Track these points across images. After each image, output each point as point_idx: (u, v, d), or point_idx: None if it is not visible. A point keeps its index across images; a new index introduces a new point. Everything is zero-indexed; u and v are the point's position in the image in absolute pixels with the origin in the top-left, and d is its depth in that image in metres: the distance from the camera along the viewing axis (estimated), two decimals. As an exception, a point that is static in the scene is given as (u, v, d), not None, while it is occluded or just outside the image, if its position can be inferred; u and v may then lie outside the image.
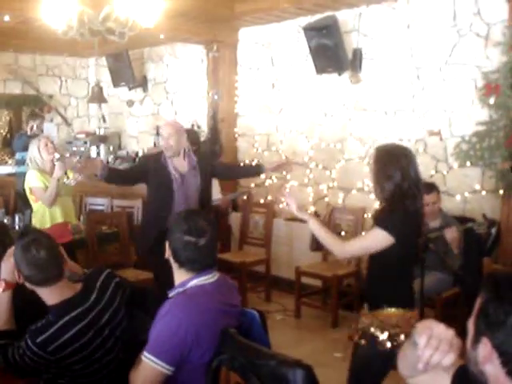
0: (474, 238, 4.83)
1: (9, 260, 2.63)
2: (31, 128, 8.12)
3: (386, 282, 3.13)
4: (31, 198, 5.26)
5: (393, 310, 3.02)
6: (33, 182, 5.15)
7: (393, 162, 3.04)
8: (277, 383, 2.17)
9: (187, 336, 2.39)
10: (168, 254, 2.62)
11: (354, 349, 3.33)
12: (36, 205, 5.23)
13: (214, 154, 6.95)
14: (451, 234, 4.58)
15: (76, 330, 2.52)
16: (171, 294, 2.58)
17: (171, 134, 4.64)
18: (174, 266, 2.60)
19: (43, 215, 5.20)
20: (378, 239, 3.02)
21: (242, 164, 5.68)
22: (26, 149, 7.90)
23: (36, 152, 5.24)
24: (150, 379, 2.41)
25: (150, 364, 2.39)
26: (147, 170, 4.75)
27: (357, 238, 3.35)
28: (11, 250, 2.63)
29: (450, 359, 1.39)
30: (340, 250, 3.16)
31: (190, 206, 4.55)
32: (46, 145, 5.25)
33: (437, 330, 1.41)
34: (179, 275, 2.60)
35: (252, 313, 2.74)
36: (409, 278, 3.21)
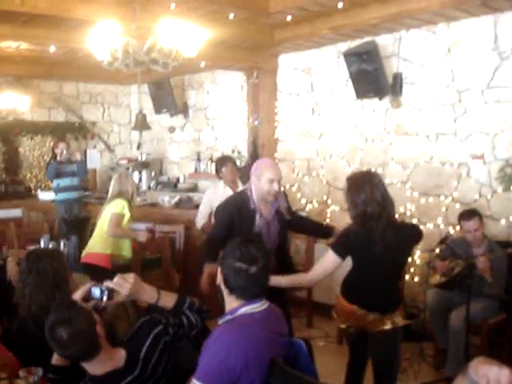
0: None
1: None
2: (61, 154, 8.25)
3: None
4: (109, 223, 5.50)
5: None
6: (119, 209, 5.50)
7: (357, 191, 3.46)
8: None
9: (237, 364, 2.39)
10: (219, 280, 2.64)
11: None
12: None
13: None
14: (482, 263, 4.55)
15: None
16: (220, 321, 2.59)
17: (279, 178, 4.05)
18: (225, 292, 2.61)
19: (121, 244, 5.59)
20: (329, 261, 3.52)
21: (315, 221, 5.14)
22: (58, 176, 8.11)
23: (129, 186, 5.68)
24: None
25: None
26: (234, 223, 4.08)
27: (317, 263, 3.72)
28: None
29: None
30: (307, 279, 3.71)
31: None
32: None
33: (492, 373, 1.40)
34: (229, 302, 2.61)
35: (299, 342, 2.73)
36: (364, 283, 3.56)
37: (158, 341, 2.58)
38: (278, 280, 3.44)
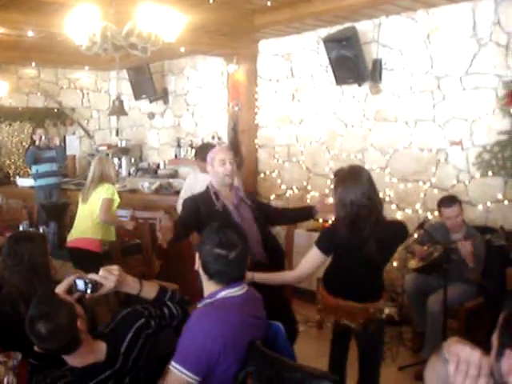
0: (496, 249, 4.82)
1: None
2: (39, 138, 8.20)
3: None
4: (101, 208, 5.50)
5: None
6: (109, 194, 5.53)
7: (345, 190, 3.42)
8: (303, 395, 2.19)
9: (215, 347, 2.41)
10: (198, 265, 2.65)
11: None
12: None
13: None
14: (464, 248, 4.60)
15: None
16: (199, 304, 2.60)
17: (231, 159, 4.12)
18: (204, 277, 2.63)
19: (109, 229, 5.64)
20: (314, 258, 3.50)
21: (292, 207, 5.08)
22: (36, 161, 8.06)
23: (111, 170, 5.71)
24: None
25: (176, 373, 2.41)
26: (199, 216, 4.04)
27: (303, 260, 3.58)
28: None
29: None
30: (293, 276, 3.66)
31: (253, 240, 3.86)
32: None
33: (463, 353, 1.42)
34: (208, 287, 2.63)
35: (277, 325, 2.75)
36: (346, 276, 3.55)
37: (140, 334, 2.57)
38: (263, 277, 3.43)
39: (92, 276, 2.62)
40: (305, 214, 4.55)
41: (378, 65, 6.35)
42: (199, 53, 8.22)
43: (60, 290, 2.61)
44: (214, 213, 3.94)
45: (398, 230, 3.62)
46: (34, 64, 9.49)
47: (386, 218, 3.62)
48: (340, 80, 6.58)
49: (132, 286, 2.70)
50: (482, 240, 4.83)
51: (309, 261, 3.54)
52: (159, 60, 9.08)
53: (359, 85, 6.50)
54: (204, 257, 2.60)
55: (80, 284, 2.60)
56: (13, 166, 9.76)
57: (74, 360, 2.45)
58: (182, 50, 7.49)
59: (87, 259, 5.24)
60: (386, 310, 3.56)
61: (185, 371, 2.40)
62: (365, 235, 3.37)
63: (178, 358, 2.44)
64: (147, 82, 9.08)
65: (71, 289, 2.63)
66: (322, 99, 7.00)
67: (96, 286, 2.60)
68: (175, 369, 2.42)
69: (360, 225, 3.38)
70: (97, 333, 2.63)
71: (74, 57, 8.26)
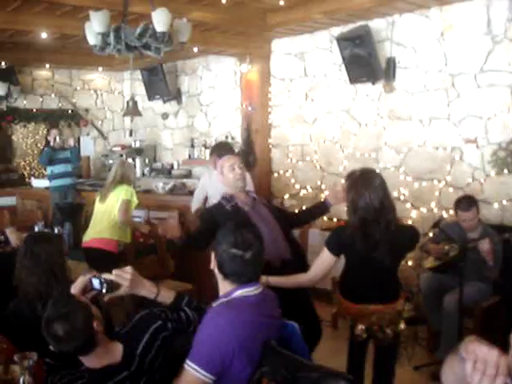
0: (513, 247, 4.79)
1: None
2: (54, 139, 8.23)
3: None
4: (120, 209, 5.54)
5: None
6: (128, 195, 5.58)
7: (358, 194, 3.40)
8: (319, 395, 2.18)
9: (229, 346, 2.41)
10: (213, 265, 2.64)
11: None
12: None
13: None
14: (485, 246, 4.56)
15: None
16: (215, 304, 2.60)
17: (240, 163, 4.17)
18: (219, 277, 2.63)
19: (125, 230, 5.66)
20: (326, 260, 3.51)
21: (305, 208, 5.13)
22: (51, 162, 8.10)
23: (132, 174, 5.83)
24: None
25: (191, 372, 2.41)
26: (217, 224, 3.79)
27: (315, 262, 3.59)
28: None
29: (499, 383, 1.38)
30: (307, 280, 3.60)
31: (279, 238, 3.98)
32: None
33: (481, 352, 1.40)
34: (223, 286, 2.62)
35: (292, 325, 2.74)
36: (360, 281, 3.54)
37: (157, 336, 2.54)
38: (278, 280, 3.43)
39: (106, 276, 2.62)
40: (320, 209, 4.56)
41: (391, 63, 6.32)
42: (212, 53, 8.22)
43: (75, 289, 2.61)
44: (232, 217, 3.92)
45: (410, 235, 3.59)
46: (47, 65, 9.55)
47: (398, 222, 3.59)
48: (353, 79, 6.56)
49: (149, 289, 2.69)
50: (500, 239, 4.79)
51: (320, 262, 3.54)
52: (172, 60, 9.09)
53: (373, 83, 6.47)
54: (220, 257, 2.59)
55: (96, 283, 2.61)
56: (28, 168, 9.81)
57: (91, 361, 2.45)
58: (195, 50, 7.49)
59: (103, 259, 5.26)
60: (405, 312, 3.54)
61: (199, 369, 2.39)
62: (374, 241, 3.35)
63: (192, 356, 2.44)
64: (160, 82, 9.10)
65: (86, 288, 2.63)
66: (336, 98, 6.97)
67: (112, 285, 2.60)
68: (189, 367, 2.41)
69: (370, 230, 3.36)
70: (113, 334, 2.62)
71: (88, 58, 8.32)
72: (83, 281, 2.64)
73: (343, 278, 3.66)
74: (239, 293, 2.56)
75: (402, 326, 3.52)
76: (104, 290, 2.59)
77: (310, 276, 3.60)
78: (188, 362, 2.43)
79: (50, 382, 2.56)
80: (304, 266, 4.02)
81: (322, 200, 4.64)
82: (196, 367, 2.40)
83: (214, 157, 5.91)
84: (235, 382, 2.47)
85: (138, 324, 2.60)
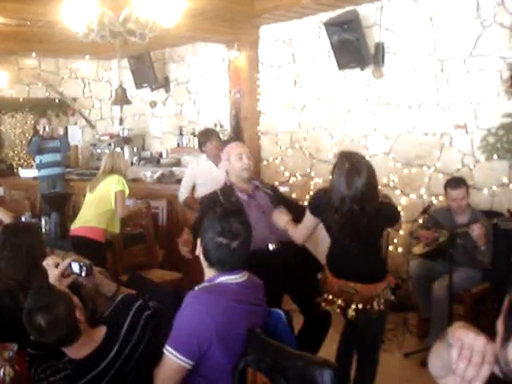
0: (503, 232, 4.77)
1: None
2: (43, 128, 8.16)
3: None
4: (111, 201, 5.52)
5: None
6: (120, 186, 5.54)
7: (338, 182, 3.34)
8: (304, 384, 2.15)
9: (206, 331, 2.40)
10: (198, 251, 2.62)
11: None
12: (113, 208, 5.54)
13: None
14: (477, 231, 4.53)
15: None
16: (197, 287, 2.59)
17: (248, 153, 4.12)
18: (204, 264, 2.61)
19: (115, 220, 5.62)
20: (306, 218, 3.61)
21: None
22: (40, 151, 8.04)
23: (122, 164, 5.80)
24: (169, 373, 2.42)
25: (169, 357, 2.40)
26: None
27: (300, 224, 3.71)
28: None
29: (485, 371, 1.34)
30: (293, 236, 3.74)
31: (271, 224, 3.90)
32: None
33: (467, 339, 1.37)
34: (208, 273, 2.62)
35: (278, 313, 2.71)
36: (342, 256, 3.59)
37: (140, 316, 2.53)
38: (280, 219, 3.75)
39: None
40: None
41: (380, 48, 6.25)
42: (199, 39, 8.14)
43: (56, 272, 2.59)
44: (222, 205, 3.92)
45: (387, 214, 3.52)
46: (34, 54, 9.44)
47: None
48: (342, 65, 6.50)
49: (108, 288, 2.78)
50: (490, 223, 4.77)
51: (304, 223, 3.64)
52: (160, 48, 9.00)
53: (362, 69, 6.42)
54: (205, 244, 2.57)
55: (75, 267, 2.61)
56: (16, 158, 9.71)
57: (73, 352, 2.42)
58: (181, 36, 7.40)
59: (88, 248, 5.22)
60: (387, 295, 3.50)
61: (177, 354, 2.39)
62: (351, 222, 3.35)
63: (170, 341, 2.43)
64: (148, 70, 9.01)
65: (64, 273, 2.63)
66: (325, 84, 6.92)
67: (91, 269, 2.60)
68: (168, 352, 2.41)
69: (348, 216, 3.30)
70: (96, 321, 2.59)
71: (75, 46, 8.22)
72: (63, 265, 2.62)
73: (328, 252, 3.71)
74: (222, 279, 2.55)
75: (376, 307, 3.45)
76: (83, 274, 2.59)
77: (297, 235, 3.73)
78: (166, 346, 2.42)
79: (33, 374, 2.52)
80: (303, 247, 4.03)
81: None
82: (173, 351, 2.39)
83: (214, 142, 5.94)
84: (215, 368, 2.46)
85: (120, 306, 2.59)
